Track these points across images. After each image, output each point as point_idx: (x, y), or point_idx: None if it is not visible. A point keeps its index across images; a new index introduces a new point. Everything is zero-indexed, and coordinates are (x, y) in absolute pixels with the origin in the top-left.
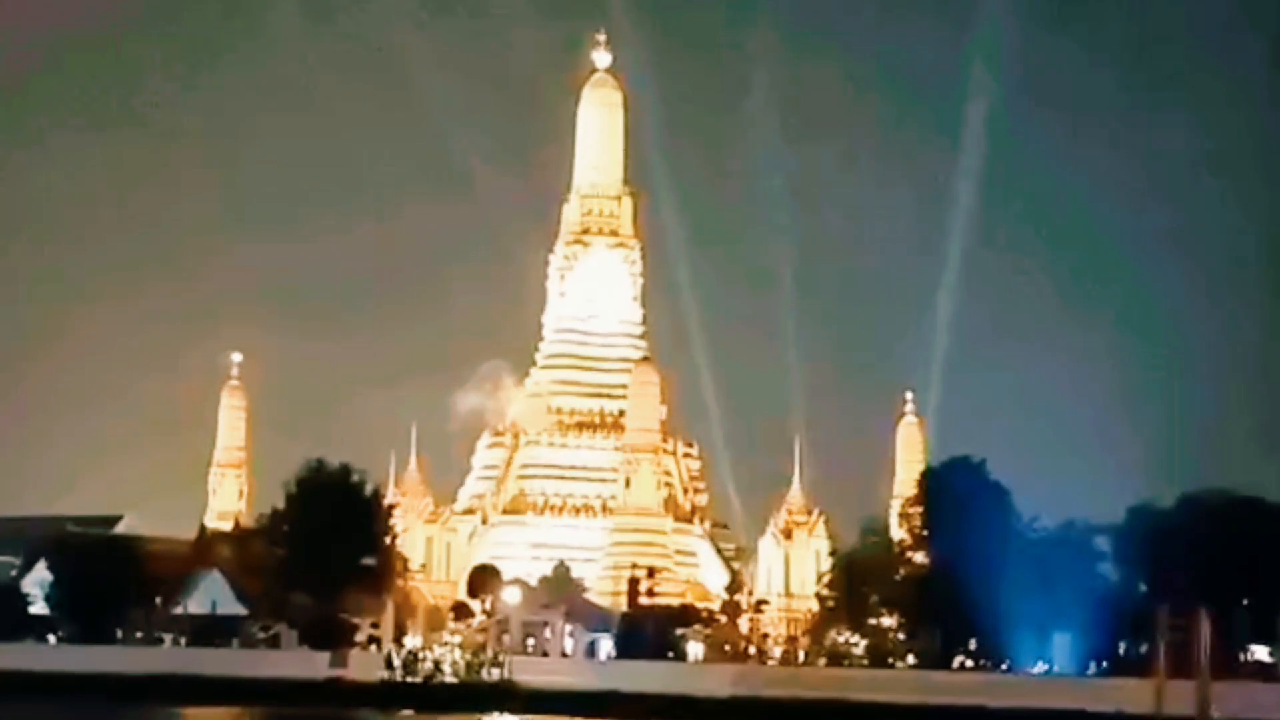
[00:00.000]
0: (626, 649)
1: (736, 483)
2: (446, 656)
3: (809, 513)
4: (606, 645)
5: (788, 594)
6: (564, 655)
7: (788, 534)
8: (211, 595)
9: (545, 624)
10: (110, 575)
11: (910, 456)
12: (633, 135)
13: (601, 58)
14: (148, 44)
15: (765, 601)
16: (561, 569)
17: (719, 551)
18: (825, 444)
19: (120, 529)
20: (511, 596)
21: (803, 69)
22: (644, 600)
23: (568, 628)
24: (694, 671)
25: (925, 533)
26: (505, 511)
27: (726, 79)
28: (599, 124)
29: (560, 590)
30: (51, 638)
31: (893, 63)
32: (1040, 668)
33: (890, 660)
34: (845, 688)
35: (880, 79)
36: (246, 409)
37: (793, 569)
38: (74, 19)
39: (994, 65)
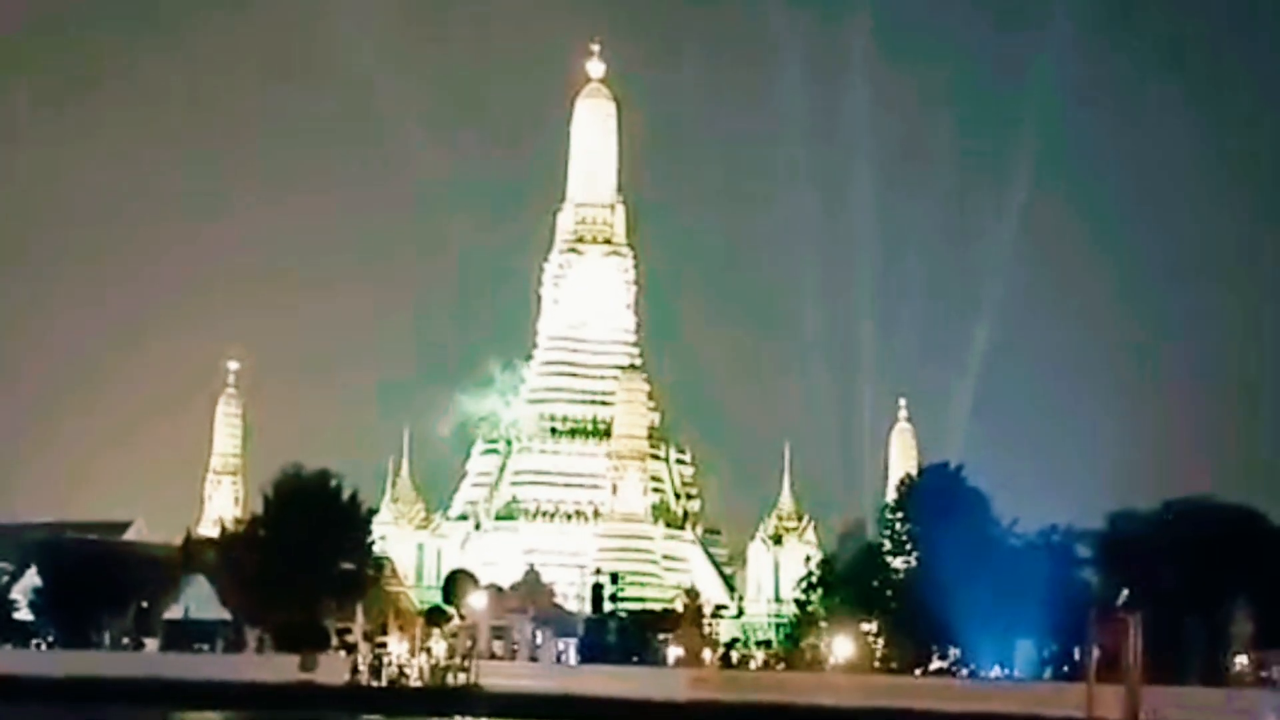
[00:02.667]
0: (590, 653)
1: (730, 488)
2: (413, 661)
3: (799, 518)
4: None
5: (777, 599)
6: (533, 660)
7: (777, 539)
8: (195, 601)
9: (514, 629)
10: (95, 581)
11: (903, 463)
12: (626, 144)
13: (595, 67)
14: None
15: (724, 607)
16: (532, 574)
17: (710, 557)
18: (821, 450)
19: (130, 534)
20: (477, 601)
21: (800, 74)
22: (610, 605)
23: (536, 632)
24: (653, 675)
25: (904, 539)
26: (498, 517)
27: (722, 86)
28: (592, 133)
29: (531, 595)
30: (42, 644)
31: (895, 72)
32: (996, 672)
33: (874, 665)
34: (783, 689)
35: (880, 86)
36: (242, 416)
37: (782, 574)
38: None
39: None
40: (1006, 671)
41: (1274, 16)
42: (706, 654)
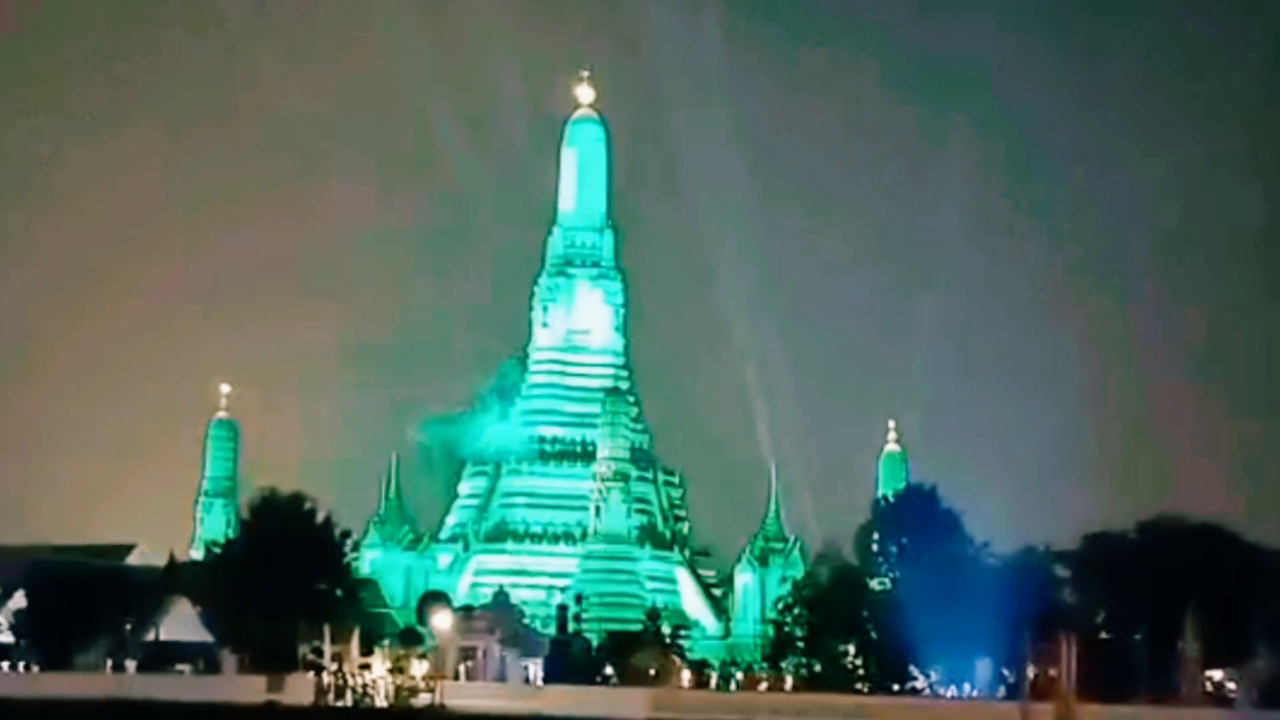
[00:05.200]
0: (556, 674)
1: (721, 510)
2: (380, 682)
3: (785, 539)
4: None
5: (763, 620)
6: (500, 680)
7: (763, 560)
8: (178, 623)
9: (482, 650)
10: (78, 604)
11: (893, 484)
12: (616, 168)
13: (585, 92)
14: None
15: (683, 628)
16: (501, 595)
17: (699, 578)
18: (812, 472)
19: (133, 558)
20: (442, 623)
21: (787, 101)
22: (575, 626)
23: (502, 653)
24: (615, 695)
25: (879, 559)
26: (487, 539)
27: (711, 111)
28: (582, 158)
29: (499, 617)
30: (24, 666)
31: (879, 97)
32: (952, 691)
33: (856, 686)
34: (741, 709)
35: (866, 114)
36: (235, 439)
37: (769, 596)
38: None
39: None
40: (971, 691)
41: None
42: (686, 675)
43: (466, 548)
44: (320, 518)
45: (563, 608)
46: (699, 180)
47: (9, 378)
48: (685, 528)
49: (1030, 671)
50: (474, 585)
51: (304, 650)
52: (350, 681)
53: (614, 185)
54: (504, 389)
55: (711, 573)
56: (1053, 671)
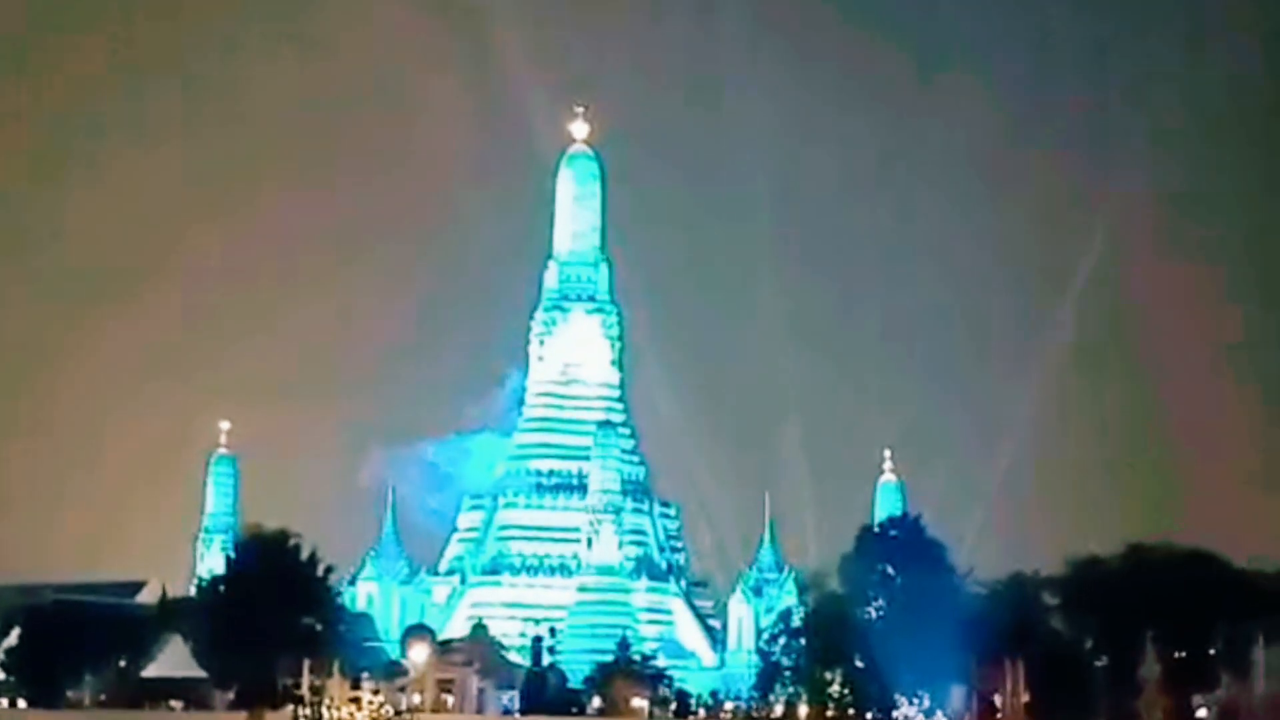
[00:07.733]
0: (532, 705)
1: (720, 541)
2: (358, 715)
3: (780, 570)
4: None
5: (758, 651)
6: (479, 712)
7: (758, 591)
8: (173, 659)
9: (460, 682)
10: (71, 641)
11: (889, 513)
12: (611, 203)
13: (579, 128)
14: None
15: (651, 657)
16: (480, 628)
17: (695, 609)
18: (808, 502)
19: (144, 595)
20: (419, 655)
21: (782, 132)
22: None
23: (480, 685)
24: None
25: (865, 588)
26: (484, 573)
27: (706, 147)
28: (577, 193)
29: (477, 649)
30: (15, 702)
31: (873, 128)
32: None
33: (843, 714)
34: None
35: (861, 148)
36: (234, 474)
37: (763, 625)
38: None
39: None
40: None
41: None
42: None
43: (463, 581)
44: (305, 554)
45: (537, 639)
46: (694, 213)
47: (16, 414)
48: (682, 559)
49: (995, 698)
50: (470, 619)
51: (284, 685)
52: (326, 715)
53: (608, 219)
54: (520, 399)
55: (709, 604)
56: (997, 697)
